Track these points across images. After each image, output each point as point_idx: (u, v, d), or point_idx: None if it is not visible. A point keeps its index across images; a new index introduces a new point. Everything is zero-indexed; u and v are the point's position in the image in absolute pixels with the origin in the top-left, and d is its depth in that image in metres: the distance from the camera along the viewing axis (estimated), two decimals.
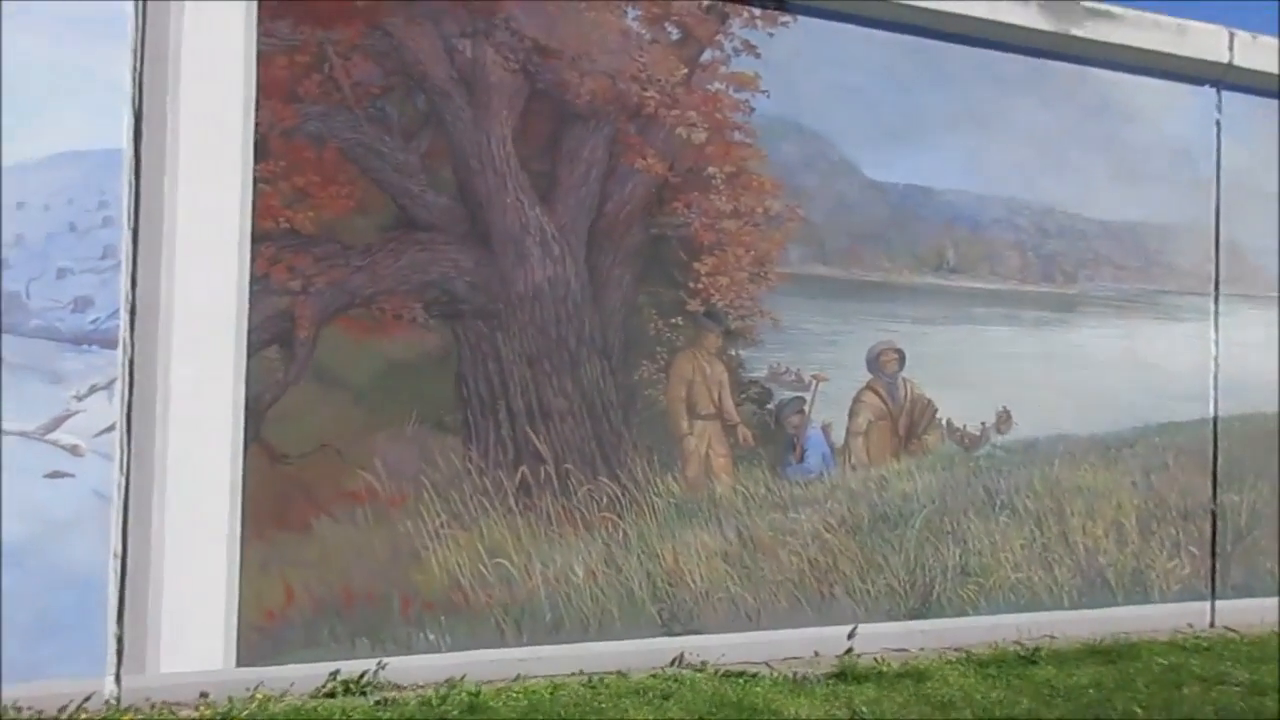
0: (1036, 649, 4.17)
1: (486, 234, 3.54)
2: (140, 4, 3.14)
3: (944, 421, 4.25)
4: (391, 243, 3.41)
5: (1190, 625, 4.67)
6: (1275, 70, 4.83)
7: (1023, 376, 4.40)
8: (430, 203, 3.47)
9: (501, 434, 3.52)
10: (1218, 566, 4.79)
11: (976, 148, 4.33)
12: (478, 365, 3.49)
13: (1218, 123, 4.80)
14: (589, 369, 3.64)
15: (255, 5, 3.28)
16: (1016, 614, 4.36)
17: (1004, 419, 4.34)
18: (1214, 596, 4.79)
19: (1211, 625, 4.78)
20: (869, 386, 4.12)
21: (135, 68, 3.13)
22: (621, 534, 3.68)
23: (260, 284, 3.26)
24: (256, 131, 3.28)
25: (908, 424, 4.18)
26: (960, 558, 4.24)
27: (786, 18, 4.00)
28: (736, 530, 3.86)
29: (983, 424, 4.32)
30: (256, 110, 3.27)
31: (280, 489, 3.29)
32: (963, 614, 4.26)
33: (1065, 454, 4.49)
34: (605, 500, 3.67)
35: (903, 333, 4.19)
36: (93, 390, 3.06)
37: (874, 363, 4.10)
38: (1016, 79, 4.43)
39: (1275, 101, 4.99)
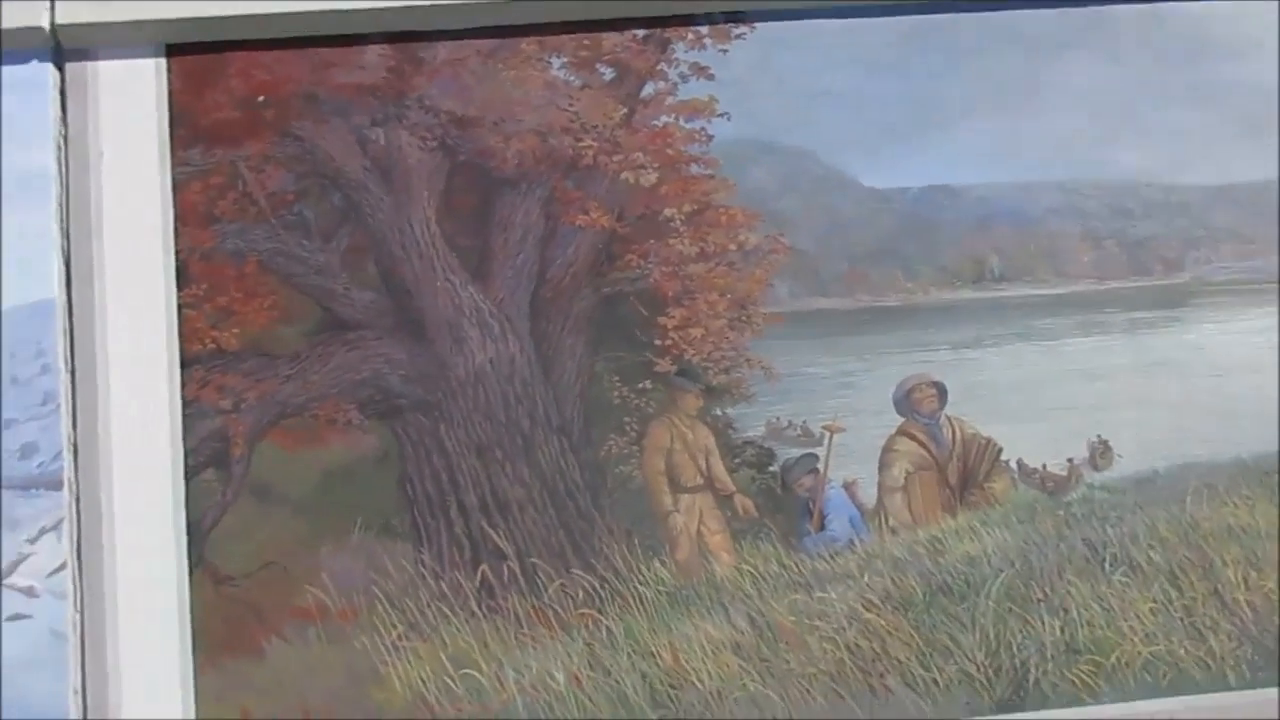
0: None
1: (418, 322, 3.56)
2: (62, 155, 3.48)
3: (1013, 463, 3.70)
4: (318, 347, 3.52)
5: None
6: None
7: (1120, 396, 3.78)
8: (355, 299, 3.56)
9: (455, 532, 3.47)
10: None
11: (1010, 128, 3.89)
12: (422, 462, 3.47)
13: None
14: (547, 451, 3.52)
15: (168, 138, 3.54)
16: (1158, 699, 3.61)
17: (1100, 452, 3.70)
18: None
19: None
20: (902, 431, 3.69)
21: (61, 218, 3.45)
22: (605, 631, 3.49)
23: (191, 407, 3.47)
24: (177, 259, 3.54)
25: (961, 471, 3.67)
26: (1062, 631, 3.62)
27: (741, 29, 3.80)
28: (748, 617, 3.53)
29: (1070, 461, 3.72)
30: (176, 238, 3.51)
31: (228, 613, 3.42)
32: (1077, 702, 3.57)
33: (1201, 487, 3.76)
34: (581, 595, 3.51)
35: (939, 362, 3.72)
36: (42, 532, 3.35)
37: (904, 402, 3.67)
38: (1060, 37, 3.96)
39: None
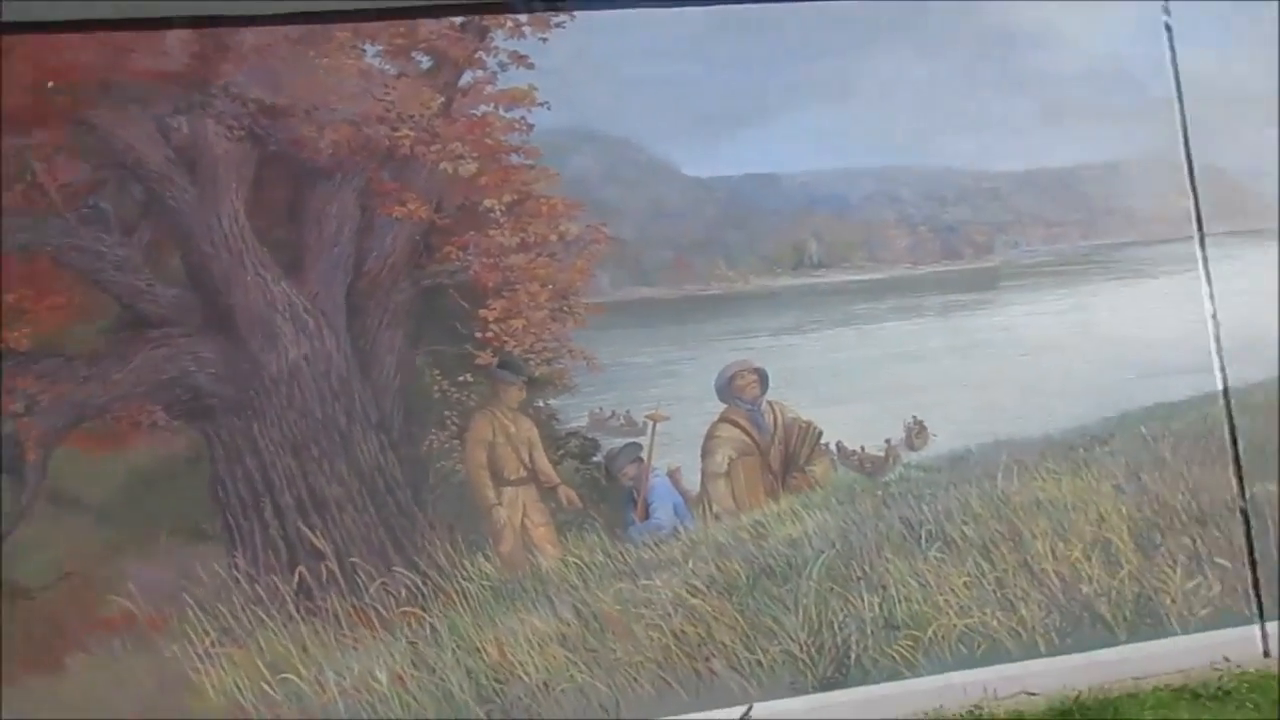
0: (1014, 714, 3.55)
1: (228, 319, 3.46)
2: None
3: (833, 446, 3.78)
4: (120, 345, 3.39)
5: (1226, 659, 3.87)
6: None
7: (934, 378, 3.92)
8: (159, 296, 3.44)
9: (270, 534, 3.39)
10: (1261, 578, 3.96)
11: (831, 118, 3.94)
12: (234, 463, 3.38)
13: (1167, 27, 4.12)
14: (366, 448, 3.47)
15: None
16: (973, 670, 3.76)
17: (916, 432, 3.83)
18: (1262, 618, 3.97)
19: (1266, 654, 3.95)
20: (725, 418, 3.74)
21: None
22: (429, 629, 3.46)
23: None
24: None
25: (783, 455, 3.75)
26: (881, 608, 3.74)
27: (561, 17, 3.79)
28: (574, 608, 3.55)
29: (888, 442, 3.83)
30: None
31: (28, 628, 3.28)
32: (897, 676, 3.69)
33: (1011, 463, 3.92)
34: (404, 593, 3.47)
35: (761, 349, 3.79)
36: None
37: (727, 389, 3.72)
38: (876, 28, 4.03)
39: None
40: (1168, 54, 4.35)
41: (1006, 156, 4.21)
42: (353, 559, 3.60)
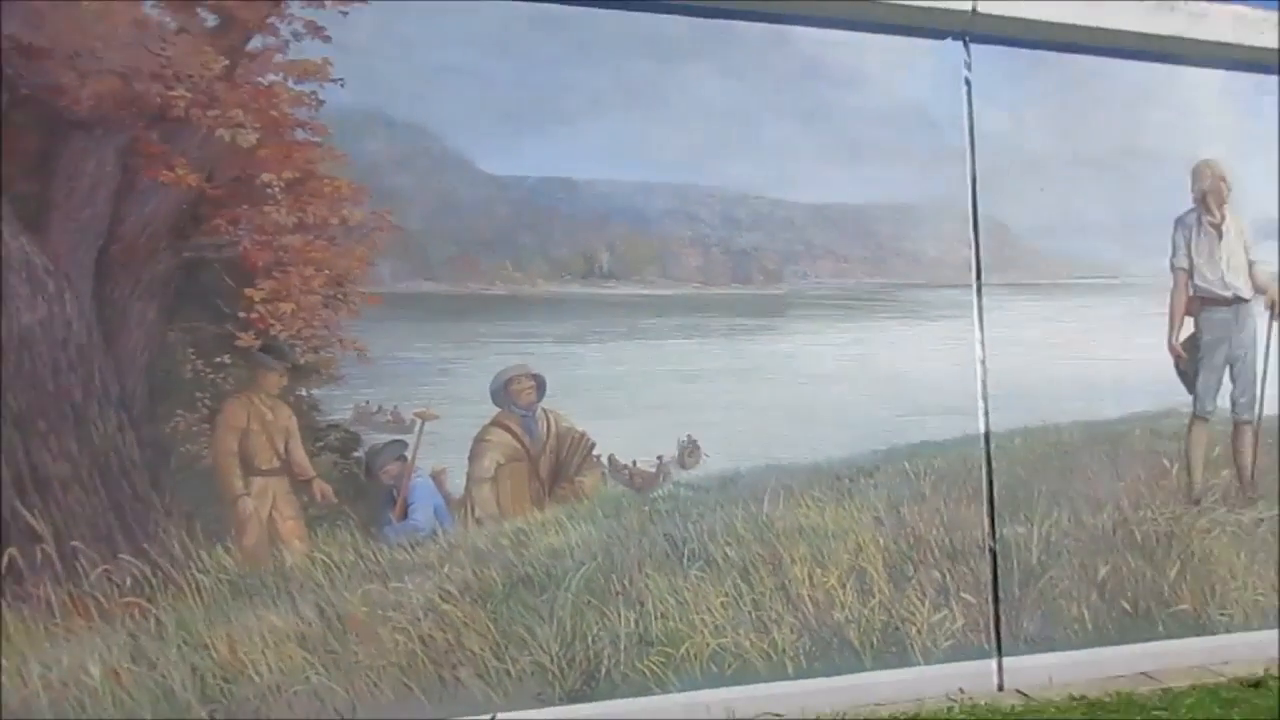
0: None
1: None
2: None
3: (605, 459, 3.75)
4: None
5: (961, 690, 4.04)
6: (1028, 15, 4.27)
7: (713, 398, 3.93)
8: None
9: None
10: (1002, 615, 4.17)
11: (636, 129, 3.93)
12: None
13: (967, 81, 4.27)
14: (102, 425, 3.24)
15: None
16: (722, 688, 3.79)
17: (689, 451, 3.84)
18: (1000, 653, 4.17)
19: (1000, 688, 4.15)
20: (497, 422, 3.67)
21: None
22: (154, 622, 3.27)
23: None
24: None
25: (553, 465, 3.70)
26: (637, 624, 3.73)
27: None
28: (317, 608, 3.41)
29: (660, 458, 3.83)
30: None
31: None
32: (646, 692, 3.69)
33: (779, 488, 3.99)
34: (129, 582, 3.27)
35: (541, 354, 3.73)
36: None
37: (501, 393, 3.64)
38: (689, 46, 4.02)
39: (1033, 51, 4.41)
40: (965, 106, 4.53)
41: (804, 188, 4.30)
42: (74, 542, 3.37)
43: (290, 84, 3.71)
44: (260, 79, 3.68)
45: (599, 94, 4.04)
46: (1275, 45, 5.00)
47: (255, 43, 3.69)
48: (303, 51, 3.73)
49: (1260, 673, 4.43)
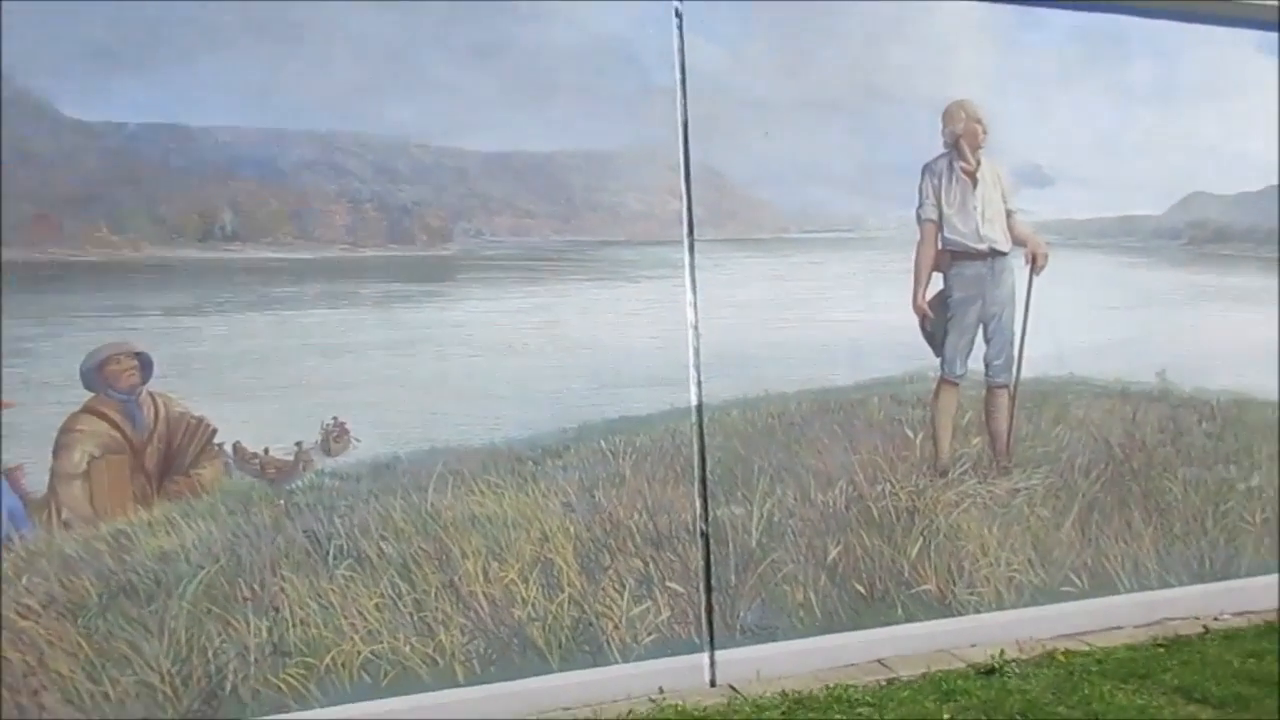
0: None
1: None
2: None
3: (229, 447, 3.32)
4: None
5: (661, 689, 3.70)
6: None
7: (365, 375, 3.57)
8: None
9: None
10: (715, 605, 3.84)
11: (267, 67, 3.46)
12: None
13: (677, 13, 3.85)
14: None
15: None
16: (377, 699, 3.42)
17: (335, 435, 3.45)
18: (713, 646, 3.84)
19: (713, 683, 3.82)
20: (89, 409, 3.27)
21: None
22: None
23: None
24: None
25: (163, 455, 3.31)
26: (270, 632, 3.33)
27: None
28: None
29: (298, 445, 3.44)
30: None
31: None
32: (282, 708, 3.31)
33: (447, 474, 3.63)
34: None
35: (147, 329, 3.33)
36: None
37: (95, 375, 3.24)
38: None
39: None
40: (676, 41, 4.12)
41: (479, 133, 3.88)
42: None
43: None
44: None
45: (219, 27, 3.55)
46: None
47: None
48: None
49: (998, 656, 4.18)
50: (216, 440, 3.53)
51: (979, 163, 4.62)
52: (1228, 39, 5.15)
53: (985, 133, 4.63)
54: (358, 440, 3.68)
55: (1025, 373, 4.69)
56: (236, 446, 3.56)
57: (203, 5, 3.53)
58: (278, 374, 3.60)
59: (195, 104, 3.53)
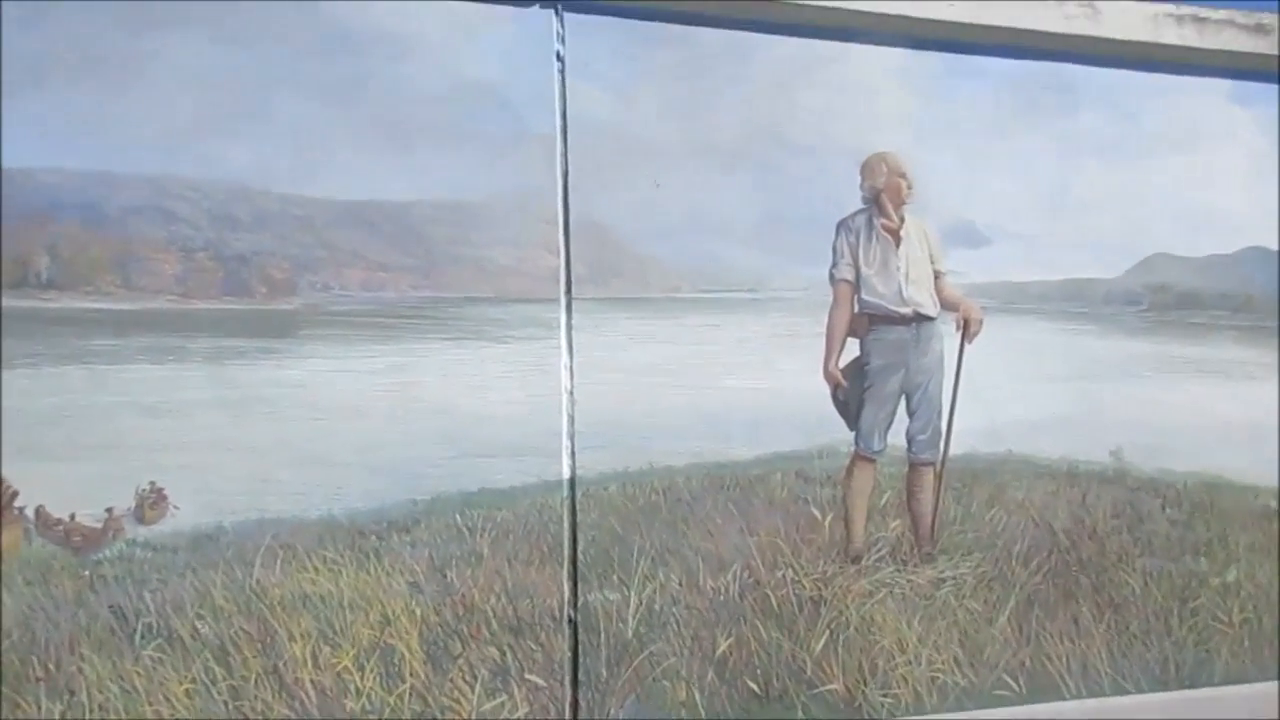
0: None
1: None
2: None
3: (30, 511, 3.09)
4: None
5: None
6: None
7: (189, 437, 3.36)
8: None
9: None
10: (582, 700, 3.53)
11: (93, 106, 3.26)
12: None
13: (559, 56, 3.63)
14: None
15: None
16: None
17: (151, 502, 3.25)
18: None
19: None
20: None
21: None
22: None
23: None
24: None
25: None
26: (64, 717, 3.01)
27: None
28: None
29: (109, 511, 3.20)
30: None
31: None
32: None
33: (277, 547, 3.38)
34: None
35: None
36: None
37: None
38: (170, 5, 3.32)
39: (650, 24, 3.79)
40: (557, 86, 3.89)
41: (329, 180, 3.67)
42: None
43: None
44: None
45: (40, 61, 3.39)
46: (967, 19, 4.36)
47: None
48: None
49: None
50: (17, 504, 3.31)
51: (903, 220, 4.30)
52: (1196, 88, 4.81)
53: (910, 187, 4.32)
54: (177, 508, 3.43)
55: (955, 449, 4.32)
56: (39, 511, 3.33)
57: (25, 38, 3.39)
58: (91, 433, 3.37)
59: (14, 143, 3.38)
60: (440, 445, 3.71)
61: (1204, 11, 4.74)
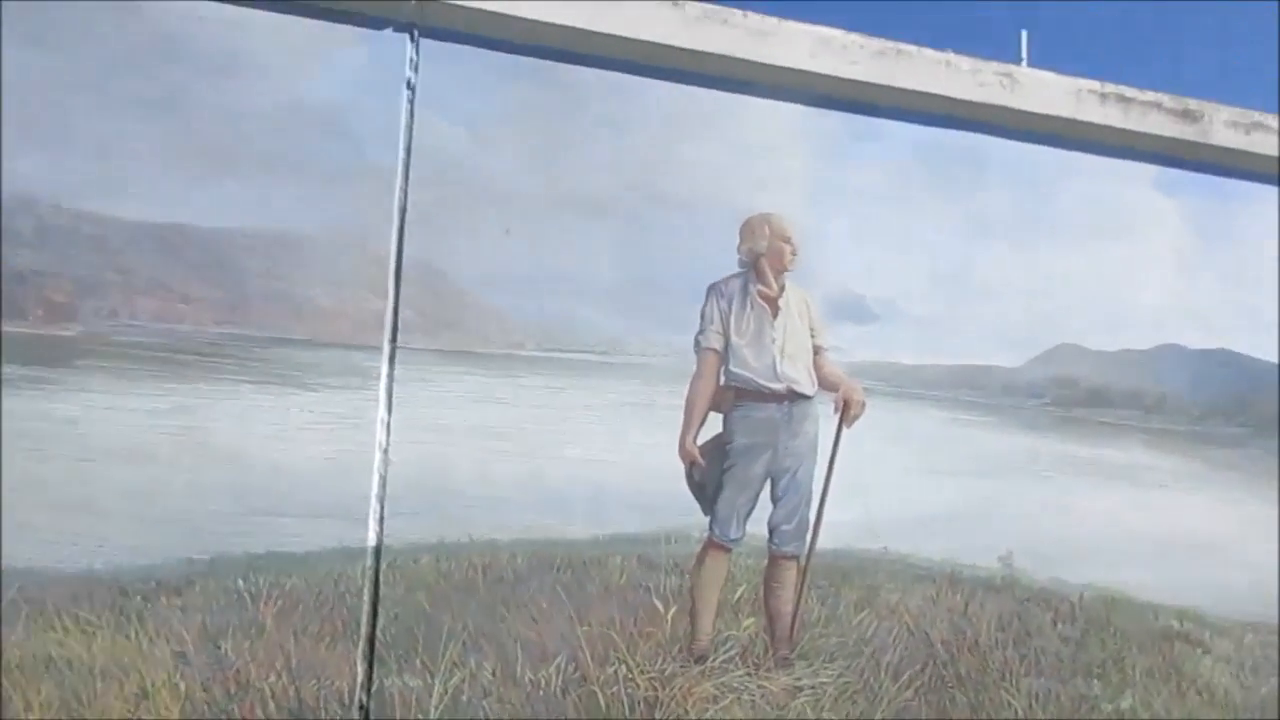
0: None
1: None
2: None
3: None
4: None
5: None
6: (512, 12, 3.43)
7: None
8: None
9: None
10: None
11: None
12: None
13: (410, 85, 3.35)
14: None
15: None
16: None
17: None
18: None
19: None
20: None
21: None
22: None
23: None
24: None
25: None
26: None
27: None
28: None
29: None
30: None
31: None
32: None
33: (21, 603, 3.25)
34: None
35: None
36: None
37: None
38: None
39: (517, 58, 3.52)
40: (404, 117, 3.60)
41: (128, 199, 3.38)
42: None
43: None
44: None
45: None
46: (873, 79, 4.10)
47: None
48: None
49: None
50: None
51: (783, 288, 4.00)
52: (1118, 171, 4.54)
53: (795, 254, 4.03)
54: None
55: (823, 542, 3.97)
56: None
57: None
58: None
59: None
60: (227, 499, 3.35)
61: (1130, 91, 4.50)
